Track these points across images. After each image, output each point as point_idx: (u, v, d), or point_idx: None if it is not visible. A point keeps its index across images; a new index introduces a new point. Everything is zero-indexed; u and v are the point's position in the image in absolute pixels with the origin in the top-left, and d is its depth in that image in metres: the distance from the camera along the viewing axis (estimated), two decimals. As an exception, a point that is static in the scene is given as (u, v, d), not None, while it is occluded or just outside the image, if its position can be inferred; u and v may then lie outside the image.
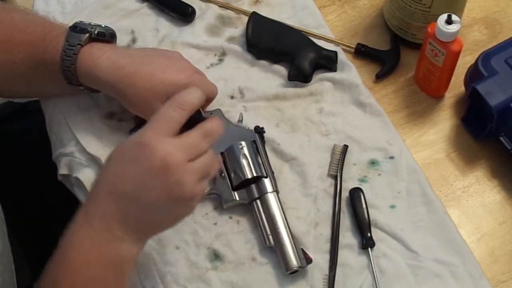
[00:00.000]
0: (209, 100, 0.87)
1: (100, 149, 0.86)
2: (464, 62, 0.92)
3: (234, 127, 0.87)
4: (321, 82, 0.93)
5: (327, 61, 0.93)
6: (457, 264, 0.81)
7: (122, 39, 0.93)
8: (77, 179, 0.86)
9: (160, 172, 0.67)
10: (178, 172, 0.67)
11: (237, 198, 0.83)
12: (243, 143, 0.84)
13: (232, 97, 0.92)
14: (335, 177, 0.86)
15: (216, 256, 0.82)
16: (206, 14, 0.99)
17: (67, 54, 0.81)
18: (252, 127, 0.88)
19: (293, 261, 0.79)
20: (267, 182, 0.83)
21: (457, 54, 0.86)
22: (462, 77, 0.92)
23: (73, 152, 0.88)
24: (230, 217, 0.84)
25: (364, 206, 0.83)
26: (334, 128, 0.90)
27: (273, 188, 0.83)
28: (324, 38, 0.96)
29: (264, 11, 0.98)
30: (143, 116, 0.82)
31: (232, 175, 0.84)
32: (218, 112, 0.89)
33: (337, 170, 0.86)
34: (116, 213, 0.67)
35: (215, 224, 0.84)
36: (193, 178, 0.68)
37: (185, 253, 0.82)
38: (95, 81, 0.82)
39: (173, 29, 0.98)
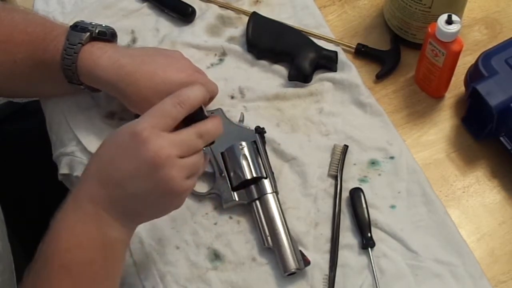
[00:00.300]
0: (209, 99, 0.87)
1: (101, 149, 0.86)
2: (464, 62, 0.92)
3: (235, 127, 0.87)
4: (321, 82, 0.93)
5: (327, 61, 0.93)
6: (457, 264, 0.81)
7: (122, 39, 0.93)
8: (78, 178, 0.86)
9: (150, 164, 0.67)
10: (167, 166, 0.67)
11: (237, 199, 0.83)
12: (244, 143, 0.84)
13: (232, 97, 0.92)
14: (335, 177, 0.86)
15: (216, 256, 0.82)
16: (206, 14, 0.99)
17: (68, 53, 0.81)
18: (252, 127, 0.88)
19: (291, 263, 0.79)
20: (266, 183, 0.83)
21: (457, 54, 0.86)
22: (462, 77, 0.92)
23: (74, 152, 0.88)
24: (230, 217, 0.84)
25: (364, 206, 0.83)
26: (334, 128, 0.90)
27: (273, 189, 0.83)
28: (324, 38, 0.96)
29: (264, 11, 0.98)
30: None
31: (232, 175, 0.84)
32: (219, 111, 0.89)
33: (337, 170, 0.86)
34: (104, 198, 0.68)
35: (215, 224, 0.84)
36: (182, 173, 0.68)
37: (185, 253, 0.82)
38: (96, 80, 0.82)
39: (173, 29, 0.98)
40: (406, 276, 0.80)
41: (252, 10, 0.97)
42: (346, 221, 0.84)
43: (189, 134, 0.70)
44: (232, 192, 0.83)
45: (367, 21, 1.00)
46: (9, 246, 0.83)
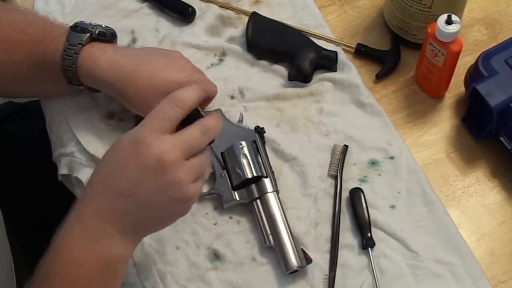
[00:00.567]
0: (209, 99, 0.87)
1: (101, 149, 0.86)
2: (464, 62, 0.92)
3: (234, 127, 0.87)
4: (321, 82, 0.93)
5: (327, 61, 0.93)
6: (457, 264, 0.81)
7: (122, 39, 0.93)
8: (77, 179, 0.86)
9: (156, 170, 0.66)
10: (174, 170, 0.66)
11: (237, 198, 0.83)
12: (243, 143, 0.84)
13: (232, 97, 0.92)
14: (335, 177, 0.86)
15: (216, 256, 0.82)
16: (206, 14, 0.99)
17: (68, 54, 0.81)
18: (252, 127, 0.88)
19: (293, 261, 0.79)
20: (267, 182, 0.83)
21: (457, 54, 0.86)
22: (462, 77, 0.92)
23: (73, 152, 0.88)
24: (230, 217, 0.84)
25: (364, 206, 0.83)
26: (334, 128, 0.90)
27: (273, 188, 0.83)
28: (324, 38, 0.96)
29: (264, 11, 0.98)
30: (144, 115, 0.82)
31: (232, 175, 0.84)
32: (219, 112, 0.89)
33: (337, 170, 0.86)
34: (109, 212, 0.67)
35: (215, 224, 0.84)
36: (189, 177, 0.68)
37: (185, 253, 0.82)
38: (96, 80, 0.82)
39: (173, 29, 0.98)
40: (406, 276, 0.80)
41: (252, 10, 0.97)
42: (346, 221, 0.84)
43: (191, 133, 0.69)
44: (232, 192, 0.83)
45: (367, 21, 1.00)
46: (8, 246, 0.83)
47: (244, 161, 0.83)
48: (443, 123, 0.92)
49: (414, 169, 0.87)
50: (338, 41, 0.97)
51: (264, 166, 0.84)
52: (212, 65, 0.95)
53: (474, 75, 0.89)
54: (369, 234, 0.82)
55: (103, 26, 0.84)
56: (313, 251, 0.81)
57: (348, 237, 0.83)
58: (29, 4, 1.01)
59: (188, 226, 0.83)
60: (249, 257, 0.82)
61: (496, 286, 0.81)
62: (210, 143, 0.73)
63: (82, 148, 0.87)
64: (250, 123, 0.89)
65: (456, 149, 0.90)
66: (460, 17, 0.86)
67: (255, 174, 0.83)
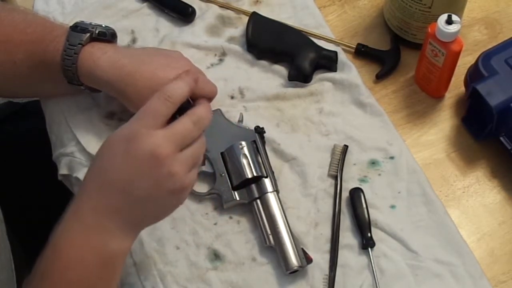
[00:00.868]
0: (209, 100, 0.87)
1: (100, 149, 0.86)
2: (464, 62, 0.92)
3: (234, 127, 0.87)
4: (321, 82, 0.93)
5: (327, 61, 0.93)
6: (457, 264, 0.81)
7: (122, 39, 0.93)
8: (77, 179, 0.86)
9: (150, 165, 0.66)
10: (168, 163, 0.66)
11: (237, 198, 0.83)
12: (243, 143, 0.84)
13: (232, 97, 0.92)
14: (335, 177, 0.86)
15: (216, 256, 0.82)
16: (206, 14, 0.99)
17: (68, 54, 0.81)
18: (252, 127, 0.88)
19: (293, 260, 0.79)
20: (267, 182, 0.83)
21: (457, 54, 0.86)
22: (462, 77, 0.92)
23: (73, 152, 0.88)
24: (230, 217, 0.84)
25: (364, 206, 0.83)
26: (334, 128, 0.90)
27: (273, 188, 0.83)
28: (324, 38, 0.97)
29: (264, 11, 0.98)
30: None
31: (232, 175, 0.84)
32: (218, 112, 0.89)
33: (337, 170, 0.86)
34: (107, 208, 0.67)
35: (215, 224, 0.84)
36: (184, 168, 0.68)
37: (185, 253, 0.82)
38: (96, 80, 0.82)
39: (173, 29, 0.98)
40: (406, 276, 0.80)
41: (252, 10, 0.97)
42: (346, 221, 0.84)
43: (183, 124, 0.69)
44: (232, 192, 0.83)
45: (367, 21, 1.00)
46: (8, 245, 0.83)
47: (244, 161, 0.83)
48: (443, 123, 0.92)
49: (414, 169, 0.87)
50: (338, 41, 0.97)
51: (264, 166, 0.84)
52: (212, 65, 0.95)
53: (474, 75, 0.89)
54: (369, 234, 0.82)
55: (103, 26, 0.84)
56: (313, 251, 0.81)
57: (348, 237, 0.83)
58: (29, 4, 1.01)
59: (188, 226, 0.83)
60: (249, 257, 0.82)
61: (496, 286, 0.81)
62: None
63: (82, 148, 0.87)
64: (250, 123, 0.89)
65: (456, 149, 0.90)
66: (460, 17, 0.85)
67: (255, 174, 0.83)
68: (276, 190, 0.83)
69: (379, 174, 0.87)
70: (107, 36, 0.84)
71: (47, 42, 0.82)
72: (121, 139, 0.68)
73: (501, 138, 0.87)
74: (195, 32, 0.97)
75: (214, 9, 0.99)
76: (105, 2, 0.99)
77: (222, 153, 0.85)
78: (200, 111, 0.71)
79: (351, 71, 0.93)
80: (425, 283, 0.80)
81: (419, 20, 0.92)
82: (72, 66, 0.81)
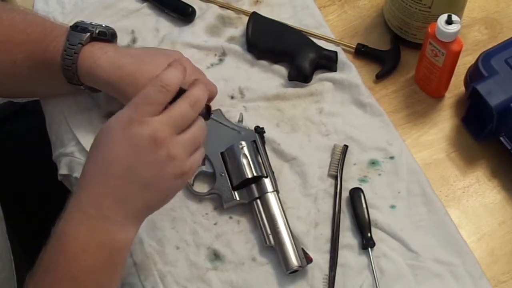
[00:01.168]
0: (209, 100, 0.87)
1: (100, 149, 0.86)
2: (464, 62, 0.92)
3: (234, 127, 0.87)
4: (321, 82, 0.93)
5: (327, 61, 0.93)
6: (457, 264, 0.81)
7: (122, 39, 0.93)
8: (77, 179, 0.86)
9: (149, 150, 0.66)
10: (167, 146, 0.67)
11: (237, 198, 0.83)
12: (243, 143, 0.84)
13: (232, 97, 0.92)
14: (335, 177, 0.86)
15: (216, 256, 0.82)
16: (206, 14, 0.99)
17: (68, 53, 0.81)
18: (252, 127, 0.88)
19: (293, 260, 0.79)
20: (267, 181, 0.83)
21: (457, 54, 0.86)
22: (462, 77, 0.92)
23: (73, 152, 0.88)
24: (230, 217, 0.84)
25: (364, 206, 0.83)
26: (334, 128, 0.90)
27: (273, 188, 0.83)
28: (324, 38, 0.97)
29: (264, 11, 0.98)
30: None
31: (232, 174, 0.84)
32: (218, 112, 0.89)
33: (337, 170, 0.86)
34: (110, 198, 0.67)
35: (215, 224, 0.84)
36: (184, 151, 0.68)
37: (185, 253, 0.82)
38: (96, 80, 0.82)
39: (173, 29, 0.98)
40: (406, 276, 0.80)
41: (252, 10, 0.97)
42: (346, 221, 0.84)
43: (180, 107, 0.69)
44: (232, 192, 0.83)
45: (367, 21, 1.00)
46: (9, 245, 0.83)
47: (244, 161, 0.83)
48: (443, 123, 0.92)
49: (414, 169, 0.87)
50: (338, 41, 0.97)
51: (264, 166, 0.84)
52: (212, 65, 0.95)
53: (474, 75, 0.89)
54: (369, 234, 0.82)
55: (103, 25, 0.84)
56: (313, 251, 0.81)
57: (348, 237, 0.83)
58: (29, 4, 1.01)
59: (188, 226, 0.83)
60: (249, 257, 0.82)
61: (496, 286, 0.81)
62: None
63: (82, 148, 0.87)
64: (250, 123, 0.89)
65: (456, 149, 0.90)
66: (460, 17, 0.86)
67: (255, 174, 0.83)
68: (276, 190, 0.83)
69: (379, 174, 0.87)
70: (107, 36, 0.84)
71: (47, 42, 0.82)
72: (118, 127, 0.67)
73: (501, 138, 0.87)
74: (195, 32, 0.97)
75: (214, 9, 0.99)
76: (105, 2, 0.99)
77: (222, 153, 0.85)
78: (195, 92, 0.70)
79: (351, 71, 0.93)
80: (425, 283, 0.80)
81: (419, 20, 0.92)
82: (72, 65, 0.81)
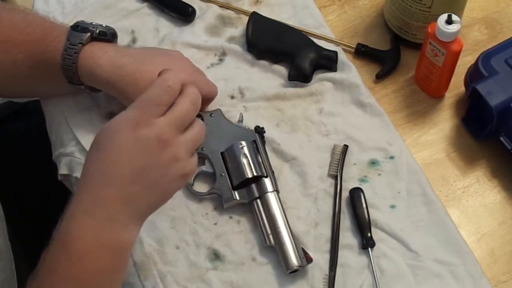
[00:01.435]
0: (209, 100, 0.88)
1: (100, 149, 0.86)
2: (464, 62, 0.92)
3: (234, 127, 0.87)
4: (321, 82, 0.93)
5: (327, 61, 0.93)
6: (457, 264, 0.81)
7: (122, 39, 0.93)
8: (77, 179, 0.86)
9: (156, 151, 0.67)
10: (172, 147, 0.68)
11: (238, 198, 0.83)
12: (243, 142, 0.84)
13: (232, 97, 0.92)
14: (335, 177, 0.86)
15: (216, 256, 0.82)
16: (206, 14, 0.99)
17: (68, 53, 0.81)
18: (252, 127, 0.88)
19: (293, 260, 0.79)
20: (267, 181, 0.83)
21: (457, 54, 0.86)
22: (462, 77, 0.92)
23: (73, 152, 0.88)
24: (230, 217, 0.84)
25: (364, 206, 0.83)
26: (334, 128, 0.90)
27: (274, 188, 0.83)
28: (324, 38, 0.97)
29: (264, 11, 0.98)
30: None
31: (232, 174, 0.84)
32: (218, 112, 0.88)
33: (337, 170, 0.86)
34: (116, 199, 0.67)
35: (215, 224, 0.84)
36: (187, 152, 0.69)
37: (185, 253, 0.82)
38: (96, 80, 0.82)
39: (173, 29, 0.98)
40: (406, 276, 0.80)
41: (252, 10, 0.97)
42: (346, 221, 0.84)
43: (182, 107, 0.69)
44: (232, 191, 0.83)
45: (367, 21, 1.00)
46: (9, 245, 0.83)
47: (244, 161, 0.83)
48: (443, 123, 0.92)
49: (414, 169, 0.87)
50: (338, 41, 0.97)
51: (264, 166, 0.84)
52: (212, 65, 0.95)
53: (474, 75, 0.89)
54: (369, 234, 0.82)
55: (104, 25, 0.84)
56: (313, 251, 0.81)
57: (348, 237, 0.83)
58: (29, 4, 1.01)
59: (188, 226, 0.83)
60: (249, 257, 0.82)
61: (496, 286, 0.81)
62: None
63: (82, 148, 0.87)
64: (250, 123, 0.89)
65: (456, 149, 0.90)
66: (460, 17, 0.86)
67: (255, 174, 0.83)
68: (276, 190, 0.83)
69: (379, 174, 0.87)
70: (108, 35, 0.84)
71: (47, 42, 0.82)
72: (125, 129, 0.67)
73: (501, 138, 0.87)
74: (195, 32, 0.97)
75: (214, 9, 0.99)
76: (105, 2, 0.99)
77: (222, 153, 0.85)
78: (192, 91, 0.71)
79: (351, 71, 0.93)
80: (425, 283, 0.80)
81: (419, 20, 0.92)
82: (73, 65, 0.81)
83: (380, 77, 0.95)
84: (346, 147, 0.87)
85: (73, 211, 0.67)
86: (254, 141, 0.86)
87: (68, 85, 0.84)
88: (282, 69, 0.94)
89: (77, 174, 0.86)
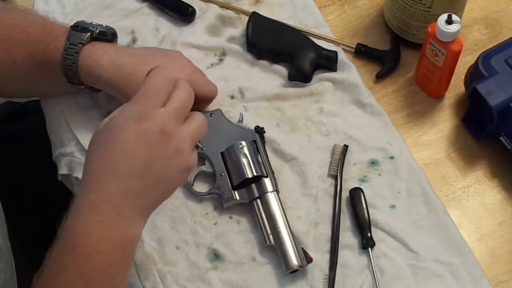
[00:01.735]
0: (209, 100, 0.88)
1: (100, 149, 0.86)
2: (464, 62, 0.93)
3: (234, 127, 0.87)
4: (321, 82, 0.93)
5: (327, 61, 0.93)
6: (457, 264, 0.81)
7: (122, 39, 0.93)
8: (77, 179, 0.86)
9: (160, 143, 0.67)
10: (176, 139, 0.68)
11: (238, 198, 0.83)
12: (243, 142, 0.84)
13: (232, 97, 0.92)
14: (335, 177, 0.86)
15: (216, 256, 0.82)
16: (206, 14, 0.99)
17: (69, 53, 0.81)
18: (252, 127, 0.88)
19: (294, 260, 0.79)
20: (267, 181, 0.83)
21: (457, 54, 0.86)
22: (462, 77, 0.92)
23: (73, 152, 0.88)
24: (230, 217, 0.84)
25: (364, 206, 0.83)
26: (334, 128, 0.90)
27: (274, 188, 0.83)
28: (324, 38, 0.97)
29: (264, 11, 0.98)
30: None
31: (232, 174, 0.84)
32: (218, 112, 0.88)
33: (337, 170, 0.86)
34: (124, 195, 0.67)
35: (215, 224, 0.84)
36: (189, 144, 0.69)
37: (185, 253, 0.82)
38: (96, 80, 0.82)
39: (173, 29, 0.98)
40: (406, 276, 0.80)
41: (252, 10, 0.97)
42: (346, 221, 0.84)
43: (179, 98, 0.69)
44: (232, 191, 0.83)
45: (367, 21, 1.00)
46: (9, 245, 0.83)
47: (244, 161, 0.83)
48: (443, 123, 0.92)
49: (414, 169, 0.87)
50: (338, 41, 0.97)
51: (264, 166, 0.84)
52: (212, 65, 0.95)
53: (474, 75, 0.89)
54: (369, 234, 0.82)
55: (104, 25, 0.84)
56: (313, 251, 0.81)
57: (348, 237, 0.83)
58: (29, 4, 1.01)
59: (188, 226, 0.83)
60: (249, 257, 0.82)
61: (496, 286, 0.81)
62: None
63: (82, 148, 0.87)
64: (250, 123, 0.89)
65: (456, 149, 0.90)
66: (460, 17, 0.86)
67: (255, 174, 0.83)
68: (276, 190, 0.83)
69: (379, 174, 0.87)
70: (108, 35, 0.84)
71: (47, 42, 0.82)
72: (128, 123, 0.67)
73: (501, 138, 0.87)
74: (195, 32, 0.97)
75: (214, 9, 0.99)
76: (105, 2, 0.99)
77: (222, 153, 0.85)
78: (185, 83, 0.71)
79: (351, 71, 0.93)
80: (425, 283, 0.80)
81: (419, 20, 0.92)
82: (73, 65, 0.81)
83: (380, 77, 0.95)
84: (346, 147, 0.87)
85: (78, 209, 0.67)
86: (254, 141, 0.86)
87: (68, 85, 0.84)
88: (282, 69, 0.94)
89: (77, 174, 0.86)
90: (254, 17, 0.96)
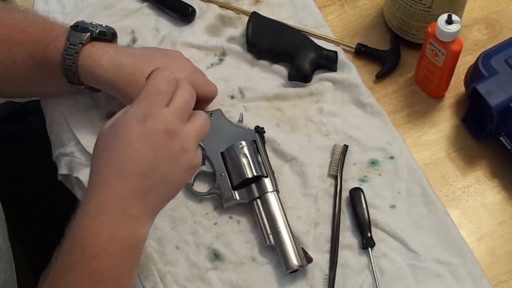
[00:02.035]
0: (209, 100, 0.88)
1: (100, 149, 0.86)
2: (464, 62, 0.93)
3: (234, 127, 0.87)
4: (321, 82, 0.93)
5: (327, 61, 0.93)
6: (457, 264, 0.81)
7: (122, 39, 0.93)
8: (77, 179, 0.86)
9: (165, 143, 0.67)
10: (180, 138, 0.68)
11: (238, 198, 0.83)
12: (243, 142, 0.84)
13: (232, 97, 0.92)
14: (335, 177, 0.86)
15: (216, 256, 0.82)
16: (206, 14, 0.99)
17: (68, 53, 0.81)
18: (252, 127, 0.88)
19: (294, 260, 0.79)
20: (267, 181, 0.83)
21: (457, 54, 0.86)
22: (462, 77, 0.92)
23: (73, 152, 0.88)
24: (230, 217, 0.84)
25: (364, 206, 0.83)
26: (334, 128, 0.90)
27: (274, 188, 0.83)
28: (324, 38, 0.97)
29: (264, 11, 0.98)
30: None
31: (232, 174, 0.84)
32: (218, 112, 0.88)
33: (337, 170, 0.86)
34: (131, 195, 0.67)
35: (215, 224, 0.84)
36: (193, 143, 0.69)
37: (185, 253, 0.82)
38: (96, 80, 0.82)
39: (173, 29, 0.98)
40: (406, 276, 0.80)
41: (252, 10, 0.97)
42: (346, 221, 0.84)
43: (182, 97, 0.70)
44: (232, 191, 0.83)
45: (367, 21, 1.00)
46: (9, 245, 0.83)
47: (244, 161, 0.83)
48: (443, 123, 0.92)
49: (414, 169, 0.87)
50: (338, 41, 0.97)
51: (264, 166, 0.84)
52: (212, 65, 0.95)
53: (474, 75, 0.89)
54: (369, 234, 0.82)
55: (104, 25, 0.84)
56: (313, 251, 0.81)
57: (348, 237, 0.83)
58: (29, 4, 1.01)
59: (188, 226, 0.83)
60: (249, 257, 0.82)
61: (496, 286, 0.81)
62: None
63: (82, 148, 0.87)
64: (250, 123, 0.89)
65: (456, 149, 0.90)
66: (460, 17, 0.86)
67: (255, 174, 0.83)
68: (276, 190, 0.83)
69: (379, 174, 0.87)
70: (108, 35, 0.84)
71: (47, 42, 0.82)
72: (134, 123, 0.67)
73: (501, 138, 0.87)
74: (195, 32, 0.97)
75: (214, 9, 0.99)
76: (105, 2, 0.99)
77: (222, 153, 0.85)
78: (186, 82, 0.72)
79: (351, 71, 0.93)
80: (425, 283, 0.80)
81: (419, 20, 0.92)
82: (73, 65, 0.81)
83: (380, 77, 0.95)
84: (346, 147, 0.87)
85: (86, 209, 0.67)
86: (254, 141, 0.86)
87: (68, 85, 0.84)
88: (282, 69, 0.94)
89: (77, 174, 0.86)
90: (254, 17, 0.96)
